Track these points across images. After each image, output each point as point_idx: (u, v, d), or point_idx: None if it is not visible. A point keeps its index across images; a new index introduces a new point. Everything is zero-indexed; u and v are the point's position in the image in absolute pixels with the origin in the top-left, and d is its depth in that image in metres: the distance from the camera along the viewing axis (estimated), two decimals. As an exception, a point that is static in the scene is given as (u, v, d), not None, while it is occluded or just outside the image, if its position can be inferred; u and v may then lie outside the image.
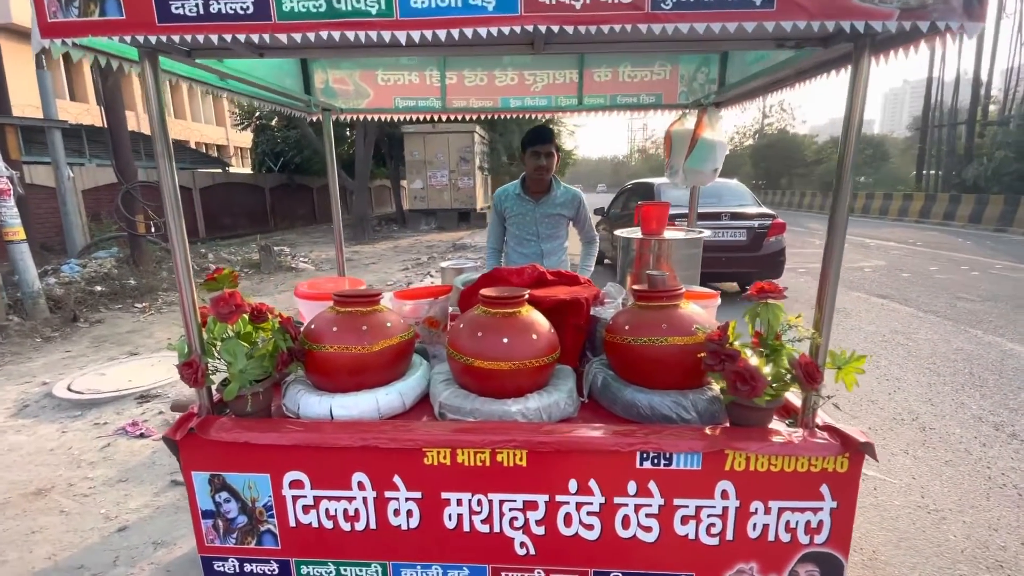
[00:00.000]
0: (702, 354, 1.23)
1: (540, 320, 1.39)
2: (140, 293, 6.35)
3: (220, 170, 16.01)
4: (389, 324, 1.41)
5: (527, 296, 1.41)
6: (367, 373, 1.37)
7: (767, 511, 1.24)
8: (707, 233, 1.90)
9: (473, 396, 1.33)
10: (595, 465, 1.23)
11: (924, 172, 17.48)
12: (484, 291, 1.43)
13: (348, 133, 15.73)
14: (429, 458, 1.24)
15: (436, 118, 14.51)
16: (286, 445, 1.25)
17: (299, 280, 7.44)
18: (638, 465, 1.22)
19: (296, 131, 15.52)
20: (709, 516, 1.24)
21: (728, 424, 1.31)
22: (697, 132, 1.90)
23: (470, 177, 15.01)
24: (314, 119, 2.35)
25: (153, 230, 7.65)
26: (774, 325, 1.22)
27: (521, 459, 1.23)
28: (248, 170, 20.66)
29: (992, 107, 16.24)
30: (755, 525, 1.25)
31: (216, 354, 1.32)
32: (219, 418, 1.31)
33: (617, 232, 2.08)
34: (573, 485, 1.24)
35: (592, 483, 1.23)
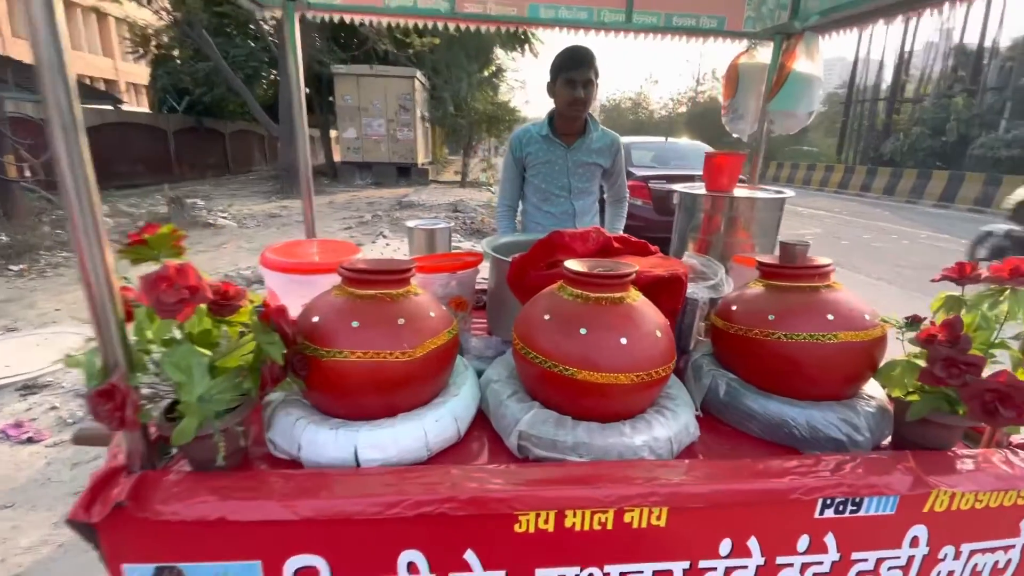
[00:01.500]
0: (914, 360, 0.89)
1: (653, 309, 0.97)
2: (15, 252, 5.16)
3: (111, 107, 13.65)
4: (433, 314, 0.94)
5: (635, 274, 0.98)
6: (408, 390, 0.90)
7: (957, 555, 0.95)
8: (789, 192, 1.55)
9: (570, 421, 0.91)
10: (760, 519, 0.86)
11: (845, 146, 18.69)
12: (571, 264, 0.98)
13: (268, 72, 13.95)
14: (523, 524, 0.81)
15: (373, 55, 13.21)
16: (289, 520, 0.76)
17: (220, 239, 6.45)
18: (817, 515, 0.87)
19: (206, 64, 13.49)
20: (890, 569, 0.93)
21: (897, 445, 1.00)
22: (787, 63, 1.52)
23: (411, 128, 13.92)
24: (269, 19, 1.69)
25: (29, 174, 6.25)
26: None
27: (659, 518, 0.83)
28: (146, 109, 17.95)
29: (909, 85, 17.47)
30: (939, 573, 0.96)
31: (154, 369, 0.79)
32: (165, 475, 0.79)
33: (678, 188, 1.68)
34: (726, 546, 0.87)
35: (752, 542, 0.87)
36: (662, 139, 6.10)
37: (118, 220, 6.89)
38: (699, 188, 1.69)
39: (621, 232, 2.01)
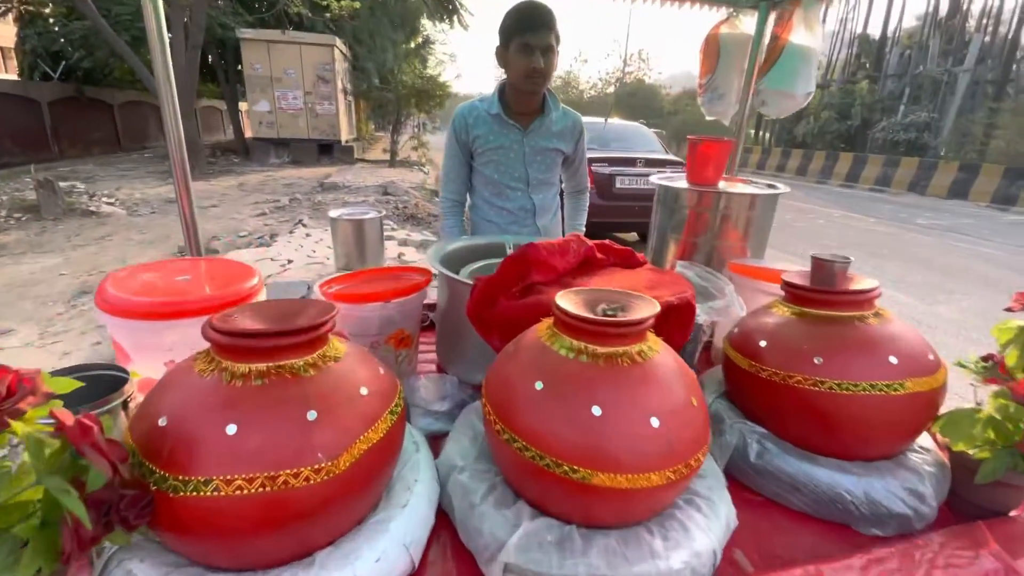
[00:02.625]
0: (992, 414, 0.69)
1: (679, 363, 0.71)
2: None
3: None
4: (365, 390, 0.61)
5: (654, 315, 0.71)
6: (330, 519, 0.57)
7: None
8: (784, 187, 1.35)
9: (577, 538, 0.62)
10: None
11: (762, 128, 19.75)
12: (565, 303, 0.69)
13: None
14: None
15: (285, 19, 11.98)
16: None
17: (104, 230, 5.54)
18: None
19: (83, 23, 11.63)
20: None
21: (952, 506, 0.82)
22: (782, 35, 1.29)
23: (331, 102, 12.86)
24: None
25: None
26: None
27: None
28: (13, 76, 15.33)
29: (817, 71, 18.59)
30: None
31: None
32: None
33: (655, 179, 1.43)
34: None
35: None
36: (601, 120, 5.92)
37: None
38: (679, 180, 1.45)
39: (583, 229, 1.74)
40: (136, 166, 11.23)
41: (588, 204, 1.77)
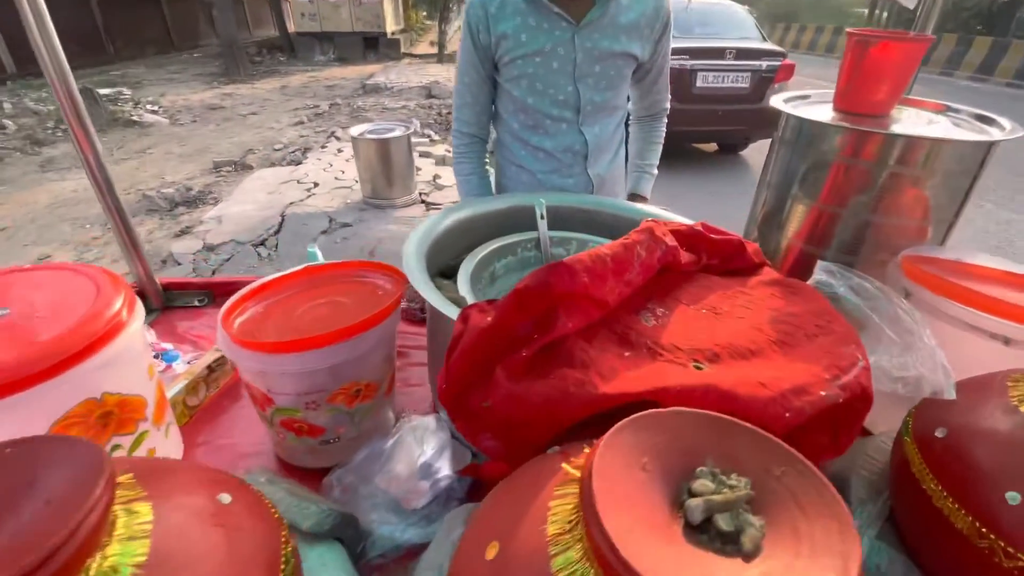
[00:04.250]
0: None
1: None
2: None
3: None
4: None
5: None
6: None
7: None
8: (1012, 126, 0.80)
9: None
10: None
11: (877, 6, 16.33)
12: (602, 466, 0.29)
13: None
14: None
15: None
16: None
17: (145, 141, 5.41)
18: None
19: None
20: None
21: None
22: None
23: (374, -12, 11.73)
24: None
25: None
26: None
27: None
28: (56, -31, 14.94)
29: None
30: None
31: None
32: None
33: (779, 102, 0.90)
34: None
35: None
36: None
37: (21, 122, 5.71)
38: (819, 108, 0.92)
39: (653, 172, 1.24)
40: (184, 67, 10.97)
41: (665, 130, 1.25)
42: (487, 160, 1.16)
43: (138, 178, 4.43)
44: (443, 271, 0.83)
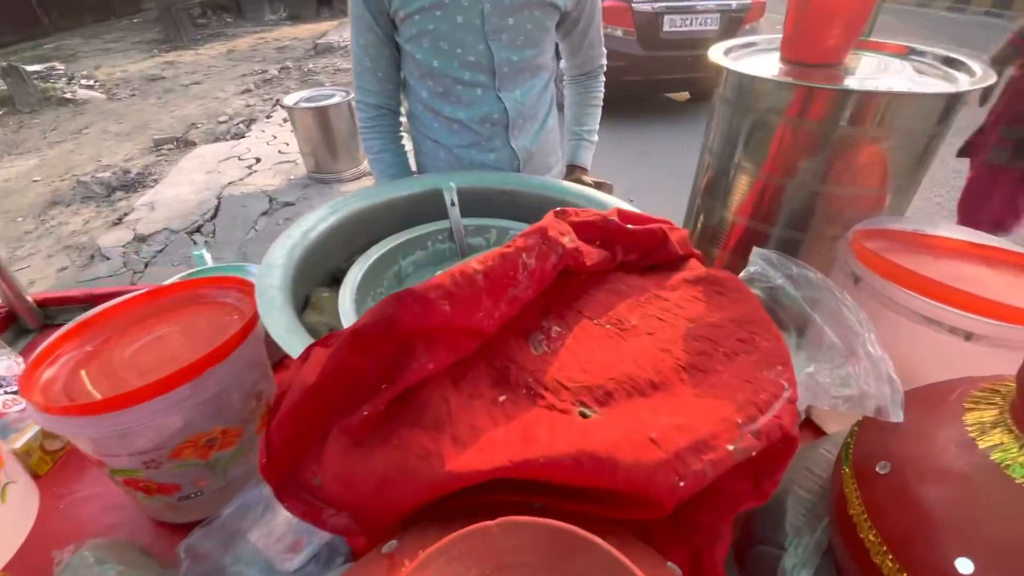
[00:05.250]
0: None
1: None
2: None
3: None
4: None
5: None
6: None
7: None
8: (983, 71, 0.69)
9: None
10: None
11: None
12: None
13: None
14: None
15: None
16: None
17: (81, 121, 5.02)
18: None
19: None
20: None
21: None
22: None
23: (321, -63, 10.85)
24: None
25: None
26: None
27: None
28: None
29: None
30: None
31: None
32: None
33: (716, 55, 0.77)
34: None
35: None
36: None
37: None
38: (764, 58, 0.79)
39: (594, 139, 1.11)
40: (124, 35, 10.17)
41: (604, 89, 1.11)
42: (402, 134, 1.02)
43: (73, 162, 4.12)
44: (337, 276, 0.71)
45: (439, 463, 0.34)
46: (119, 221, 3.05)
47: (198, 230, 2.86)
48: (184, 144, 4.11)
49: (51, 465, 0.70)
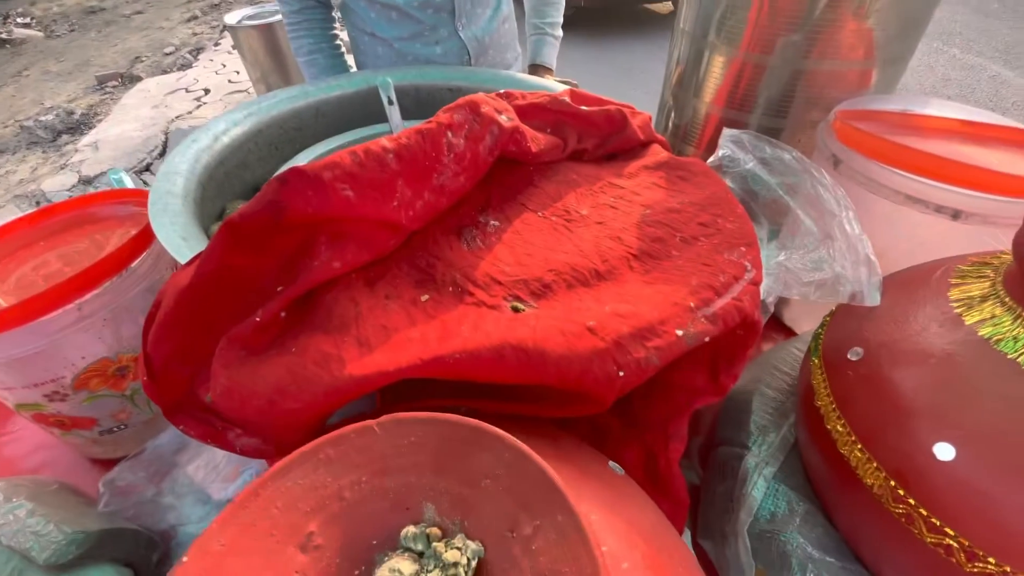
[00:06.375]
0: None
1: None
2: None
3: None
4: None
5: None
6: None
7: None
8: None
9: None
10: None
11: None
12: None
13: None
14: None
15: None
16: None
17: (19, 63, 4.62)
18: None
19: None
20: None
21: None
22: None
23: None
24: None
25: None
26: None
27: None
28: None
29: None
30: None
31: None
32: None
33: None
34: None
35: None
36: None
37: None
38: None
39: (559, 24, 1.00)
40: (54, -37, 9.14)
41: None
42: (336, 31, 0.89)
43: (16, 107, 3.80)
44: (259, 188, 0.64)
45: (338, 367, 0.29)
46: (65, 166, 2.85)
47: (147, 168, 2.68)
48: (129, 80, 3.79)
49: (-22, 408, 0.65)
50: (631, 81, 3.55)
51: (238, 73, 3.46)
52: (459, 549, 0.18)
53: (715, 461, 0.48)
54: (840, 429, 0.35)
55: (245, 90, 3.19)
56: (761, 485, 0.42)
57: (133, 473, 0.49)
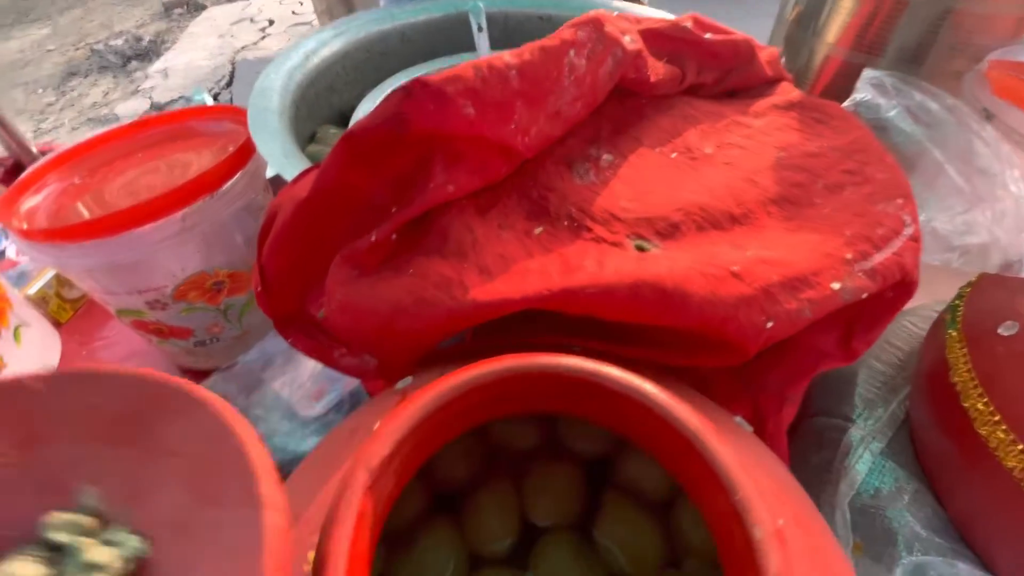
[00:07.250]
0: None
1: None
2: None
3: None
4: None
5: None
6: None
7: None
8: None
9: None
10: None
11: None
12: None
13: None
14: None
15: None
16: None
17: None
18: None
19: None
20: None
21: None
22: None
23: None
24: None
25: None
26: None
27: None
28: None
29: None
30: None
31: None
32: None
33: None
34: None
35: None
36: None
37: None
38: None
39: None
40: None
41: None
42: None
43: (85, 29, 3.90)
44: (346, 115, 0.62)
45: (461, 291, 0.28)
46: (136, 91, 2.93)
47: (215, 98, 2.73)
48: (195, 8, 3.81)
49: (71, 313, 0.69)
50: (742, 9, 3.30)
51: (302, 4, 3.41)
52: (114, 545, 0.15)
53: (809, 430, 0.45)
54: (981, 407, 0.32)
55: (309, 22, 3.16)
56: (867, 459, 0.40)
57: (226, 384, 0.52)
